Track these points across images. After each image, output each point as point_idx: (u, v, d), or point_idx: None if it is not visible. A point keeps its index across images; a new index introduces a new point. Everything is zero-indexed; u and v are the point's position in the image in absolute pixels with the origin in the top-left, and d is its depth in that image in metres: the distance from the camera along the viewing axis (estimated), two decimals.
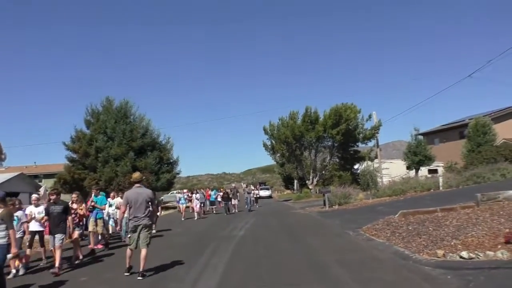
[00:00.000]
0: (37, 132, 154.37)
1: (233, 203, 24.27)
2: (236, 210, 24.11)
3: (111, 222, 13.13)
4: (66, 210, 8.09)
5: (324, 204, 21.01)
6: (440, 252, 6.80)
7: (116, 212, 12.66)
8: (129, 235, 6.99)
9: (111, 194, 13.49)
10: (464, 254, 6.41)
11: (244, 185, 48.38)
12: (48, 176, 46.17)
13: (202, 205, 23.27)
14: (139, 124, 31.56)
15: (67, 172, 29.46)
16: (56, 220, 7.86)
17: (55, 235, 7.79)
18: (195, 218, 20.85)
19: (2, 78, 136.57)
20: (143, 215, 6.90)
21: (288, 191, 57.15)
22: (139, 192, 7.00)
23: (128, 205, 6.96)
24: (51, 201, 8.21)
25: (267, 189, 55.75)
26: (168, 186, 33.29)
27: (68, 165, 30.40)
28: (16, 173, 36.76)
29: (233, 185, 29.28)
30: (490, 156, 27.08)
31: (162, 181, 29.96)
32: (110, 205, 12.87)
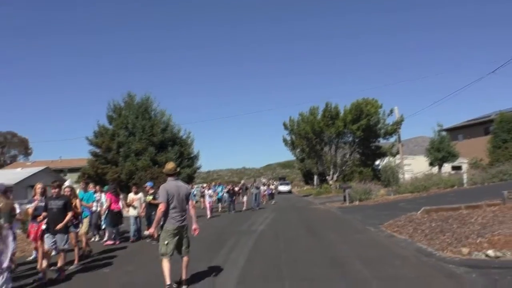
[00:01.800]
0: (63, 127, 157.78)
1: (242, 200, 23.18)
2: (245, 208, 22.33)
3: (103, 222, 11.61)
4: (67, 206, 7.06)
5: (345, 200, 20.84)
6: (464, 250, 6.63)
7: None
8: (166, 242, 5.61)
9: (133, 189, 12.29)
10: (490, 252, 6.23)
11: (264, 180, 48.32)
12: (72, 170, 47.28)
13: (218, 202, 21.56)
14: (159, 119, 31.87)
15: (91, 166, 30.07)
16: (56, 217, 6.81)
17: (56, 236, 6.77)
18: (207, 217, 18.03)
19: (31, 75, 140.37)
20: (186, 214, 5.86)
21: (308, 187, 56.90)
22: (179, 186, 5.86)
23: (168, 201, 5.65)
24: (53, 195, 7.10)
25: (287, 184, 55.60)
26: (189, 181, 33.59)
27: (91, 160, 31.02)
28: (42, 167, 37.88)
29: (242, 181, 27.23)
30: None
31: (182, 176, 30.20)
32: (97, 201, 11.25)
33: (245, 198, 23.16)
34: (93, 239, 11.55)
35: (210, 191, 19.83)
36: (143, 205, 11.73)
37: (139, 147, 29.15)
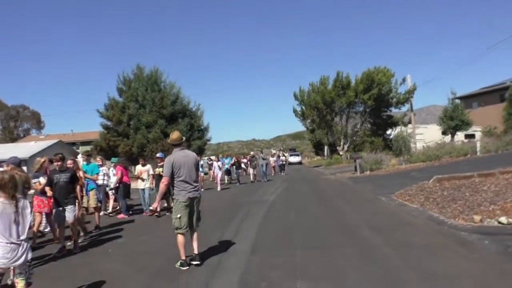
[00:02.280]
0: (74, 100, 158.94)
1: (251, 172, 22.56)
2: (253, 180, 21.87)
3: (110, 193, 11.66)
4: (74, 178, 6.89)
5: (355, 170, 20.82)
6: (477, 218, 6.60)
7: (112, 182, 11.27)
8: (179, 215, 5.31)
9: (140, 161, 12.01)
10: (503, 219, 6.19)
11: (274, 150, 48.31)
12: (84, 143, 47.93)
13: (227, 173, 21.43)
14: (169, 92, 31.80)
15: (103, 139, 30.44)
16: (64, 191, 6.69)
17: (66, 207, 6.68)
18: (218, 189, 17.69)
19: (40, 50, 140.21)
20: (197, 184, 5.56)
21: (318, 157, 56.98)
22: (186, 155, 5.50)
23: (174, 172, 5.33)
24: (56, 168, 6.93)
25: (297, 155, 55.76)
26: (199, 153, 33.81)
27: (103, 132, 31.34)
28: (55, 141, 38.43)
29: (252, 153, 26.09)
30: None
31: (193, 148, 30.38)
32: (105, 174, 11.07)
33: (253, 171, 22.65)
34: (102, 213, 10.86)
35: (219, 163, 19.60)
36: (151, 176, 11.53)
37: (150, 120, 29.27)
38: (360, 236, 6.59)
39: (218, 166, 19.15)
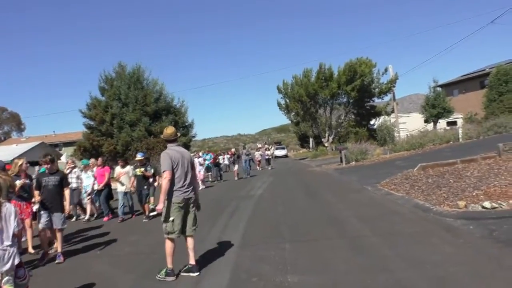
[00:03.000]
0: (55, 101, 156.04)
1: (234, 169, 21.35)
2: (236, 178, 20.36)
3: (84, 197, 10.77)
4: (64, 181, 6.53)
5: (341, 161, 20.97)
6: (461, 203, 6.72)
7: (89, 185, 10.56)
8: (172, 218, 4.77)
9: (120, 163, 10.77)
10: (487, 204, 6.32)
11: (259, 144, 48.24)
12: (67, 144, 47.12)
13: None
14: (152, 89, 31.44)
15: (86, 139, 29.93)
16: (53, 194, 6.31)
17: (54, 214, 6.28)
18: (200, 187, 15.61)
19: (20, 52, 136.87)
20: (192, 184, 5.04)
21: (304, 150, 57.20)
22: (181, 152, 5.05)
23: (173, 169, 4.82)
24: (46, 170, 6.57)
25: (283, 148, 55.83)
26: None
27: (86, 133, 30.83)
28: (37, 142, 37.60)
29: (233, 149, 24.95)
30: None
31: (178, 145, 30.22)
32: (78, 177, 10.35)
33: (236, 167, 21.56)
34: (73, 219, 10.50)
35: (200, 159, 18.42)
36: (132, 179, 10.24)
37: (133, 118, 28.93)
38: (348, 227, 6.64)
39: (199, 162, 17.75)
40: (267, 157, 28.80)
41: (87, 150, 28.87)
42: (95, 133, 30.44)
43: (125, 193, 10.27)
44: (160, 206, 4.76)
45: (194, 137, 34.82)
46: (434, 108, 31.35)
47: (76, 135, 40.08)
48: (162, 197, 4.78)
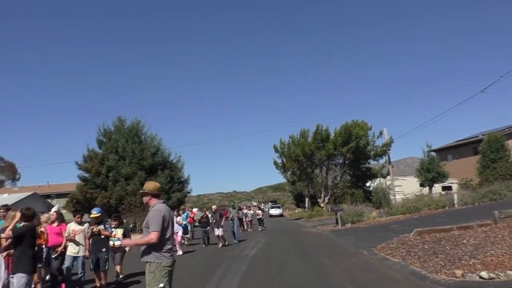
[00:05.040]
0: (51, 152, 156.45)
1: (216, 233, 15.92)
2: (221, 244, 15.73)
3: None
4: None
5: (337, 223, 20.72)
6: (458, 272, 6.58)
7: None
8: (161, 284, 4.06)
9: (76, 218, 8.47)
10: (484, 274, 6.20)
11: (254, 203, 47.76)
12: (60, 195, 46.45)
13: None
14: (150, 143, 31.78)
15: (79, 191, 29.65)
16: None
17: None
18: (179, 253, 13.49)
19: (17, 100, 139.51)
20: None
21: (300, 210, 56.60)
22: (169, 210, 4.50)
23: (164, 229, 4.25)
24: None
25: (278, 207, 55.28)
26: (179, 205, 33.24)
27: (80, 184, 30.61)
28: (29, 193, 37.21)
29: (214, 206, 18.97)
30: (505, 172, 26.69)
31: (173, 200, 29.92)
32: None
33: (219, 231, 15.96)
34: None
35: (178, 218, 15.06)
36: (89, 240, 8.16)
37: (129, 171, 28.91)
38: None
39: (177, 222, 14.35)
40: (258, 217, 26.60)
41: (80, 203, 28.51)
42: (89, 185, 30.24)
43: (77, 258, 7.99)
44: (131, 243, 4.51)
45: (189, 192, 34.63)
46: (429, 172, 31.56)
47: (69, 187, 39.67)
48: (141, 243, 4.26)
